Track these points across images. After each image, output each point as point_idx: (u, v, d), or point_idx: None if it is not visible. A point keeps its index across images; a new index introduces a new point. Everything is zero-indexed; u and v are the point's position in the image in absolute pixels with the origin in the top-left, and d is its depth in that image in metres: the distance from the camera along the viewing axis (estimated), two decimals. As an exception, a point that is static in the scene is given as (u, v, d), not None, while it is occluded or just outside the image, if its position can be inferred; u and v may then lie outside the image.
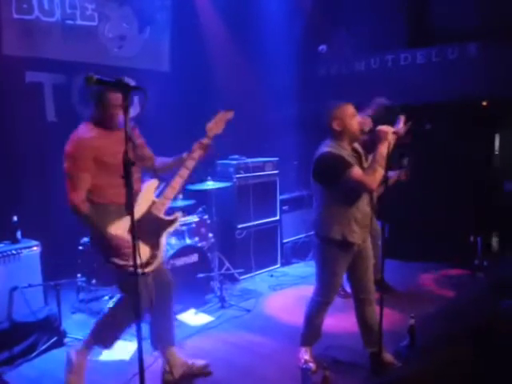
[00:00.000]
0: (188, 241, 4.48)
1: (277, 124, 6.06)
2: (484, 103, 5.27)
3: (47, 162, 4.60)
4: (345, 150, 2.95)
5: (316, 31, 6.27)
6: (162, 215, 2.88)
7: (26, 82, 4.68)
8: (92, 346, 2.91)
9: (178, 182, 2.89)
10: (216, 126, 2.94)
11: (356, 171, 2.84)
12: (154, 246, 2.84)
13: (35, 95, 4.75)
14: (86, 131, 2.75)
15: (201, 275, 4.37)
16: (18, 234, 3.95)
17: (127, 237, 2.62)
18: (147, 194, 2.89)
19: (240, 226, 5.20)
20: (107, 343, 2.93)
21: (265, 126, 6.01)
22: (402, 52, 5.74)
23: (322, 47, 6.32)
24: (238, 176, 5.14)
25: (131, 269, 2.42)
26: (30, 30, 4.62)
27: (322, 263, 3.10)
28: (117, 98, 2.67)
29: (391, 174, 4.02)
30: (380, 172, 2.82)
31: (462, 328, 2.66)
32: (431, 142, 5.07)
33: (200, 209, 4.87)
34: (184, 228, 4.52)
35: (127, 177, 2.06)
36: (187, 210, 4.71)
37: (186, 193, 4.60)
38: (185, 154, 2.92)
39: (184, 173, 2.89)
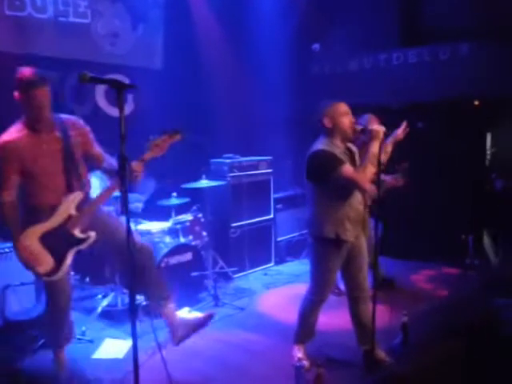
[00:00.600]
0: (182, 239, 4.48)
1: (270, 123, 6.06)
2: (475, 103, 5.30)
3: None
4: (337, 148, 2.96)
5: (309, 30, 6.28)
6: (75, 231, 2.74)
7: (18, 79, 4.65)
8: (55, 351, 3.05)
9: (98, 200, 2.80)
10: (156, 148, 2.73)
11: (347, 169, 2.85)
12: (59, 259, 2.72)
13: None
14: (13, 132, 2.70)
15: (195, 274, 4.36)
16: (11, 232, 3.92)
17: (33, 245, 2.65)
18: (67, 206, 2.75)
19: (234, 224, 5.20)
20: (62, 342, 3.06)
21: (258, 124, 6.00)
22: (395, 51, 5.77)
23: (315, 46, 6.33)
24: (231, 175, 5.14)
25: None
26: (22, 27, 4.58)
27: (316, 261, 3.12)
28: (43, 95, 2.58)
29: (386, 177, 4.00)
30: (371, 170, 2.83)
31: (454, 326, 2.68)
32: (423, 141, 5.10)
33: (194, 207, 4.87)
34: (178, 226, 4.52)
35: (122, 172, 2.04)
36: (181, 209, 4.70)
37: (180, 191, 4.60)
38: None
39: (108, 191, 2.79)
